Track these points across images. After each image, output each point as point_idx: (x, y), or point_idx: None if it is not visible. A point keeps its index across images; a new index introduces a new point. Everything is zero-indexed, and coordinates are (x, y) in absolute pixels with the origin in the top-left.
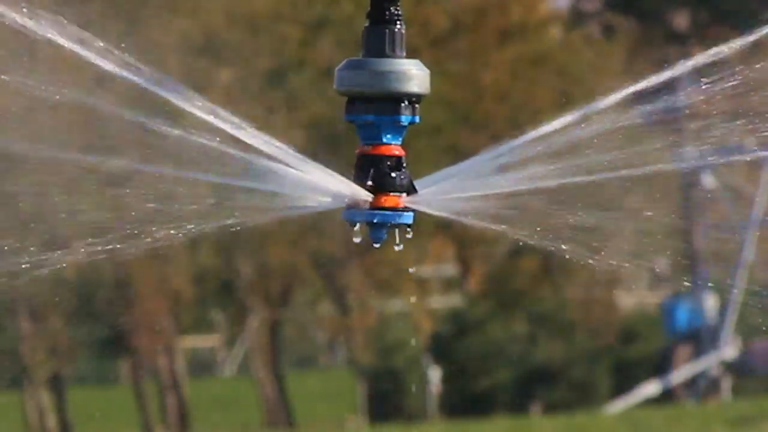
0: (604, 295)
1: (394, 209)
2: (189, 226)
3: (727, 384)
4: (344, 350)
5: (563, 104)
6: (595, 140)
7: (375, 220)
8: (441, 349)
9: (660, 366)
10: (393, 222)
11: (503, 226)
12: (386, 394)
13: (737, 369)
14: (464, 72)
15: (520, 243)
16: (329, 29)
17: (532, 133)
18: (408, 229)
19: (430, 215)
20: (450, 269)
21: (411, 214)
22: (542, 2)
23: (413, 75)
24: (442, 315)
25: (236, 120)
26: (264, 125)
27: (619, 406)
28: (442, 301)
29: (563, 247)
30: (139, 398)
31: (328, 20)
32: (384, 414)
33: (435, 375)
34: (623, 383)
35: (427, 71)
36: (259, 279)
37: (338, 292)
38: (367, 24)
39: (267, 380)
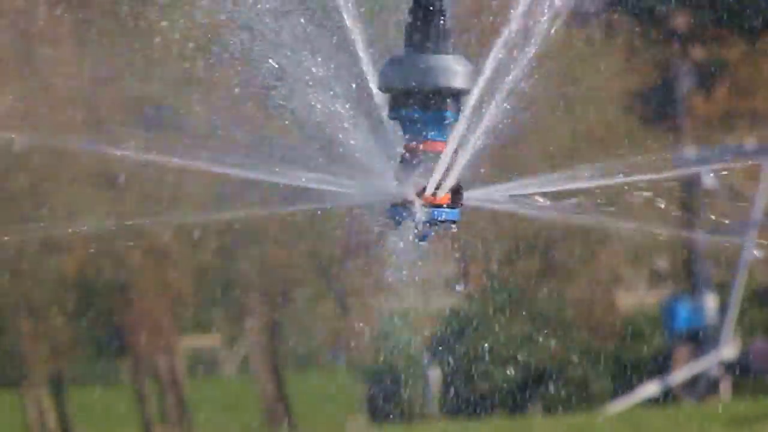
0: (604, 295)
1: (440, 206)
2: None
3: (727, 384)
4: (344, 350)
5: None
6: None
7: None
8: (441, 349)
9: (660, 366)
10: (440, 219)
11: (548, 215)
12: (386, 394)
13: (737, 369)
14: None
15: (519, 239)
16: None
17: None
18: (453, 225)
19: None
20: (450, 269)
21: (457, 210)
22: None
23: (458, 71)
24: (442, 315)
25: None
26: (263, 125)
27: (619, 406)
28: (442, 301)
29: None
30: (139, 398)
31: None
32: (384, 414)
33: (435, 375)
34: (623, 383)
35: (471, 67)
36: (259, 279)
37: (338, 292)
38: (410, 20)
39: (267, 380)
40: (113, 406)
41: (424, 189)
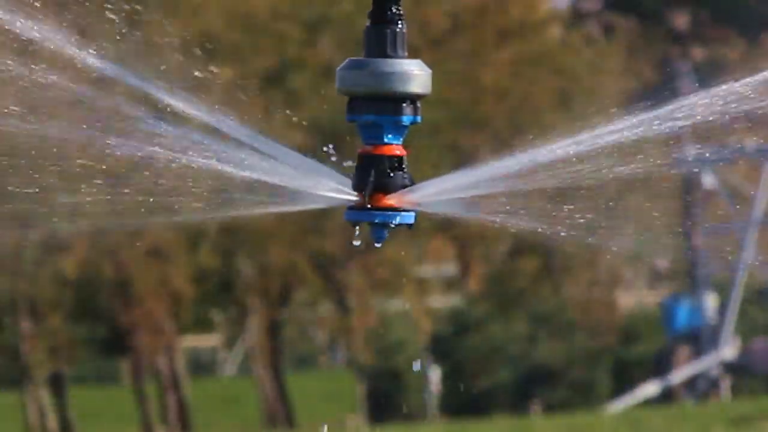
0: (604, 295)
1: (395, 209)
2: (186, 217)
3: (727, 384)
4: (344, 350)
5: (562, 104)
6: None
7: (376, 221)
8: (441, 349)
9: (660, 366)
10: (394, 222)
11: (503, 223)
12: (386, 394)
13: (737, 369)
14: (464, 72)
15: (519, 239)
16: (329, 29)
17: (536, 151)
18: (409, 228)
19: (430, 215)
20: (450, 269)
21: (412, 214)
22: (542, 2)
23: (415, 75)
24: (443, 315)
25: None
26: (263, 125)
27: (619, 406)
28: (442, 301)
29: (561, 238)
30: (139, 398)
31: (327, 20)
32: (384, 414)
33: (435, 375)
34: (623, 383)
35: (429, 71)
36: (259, 279)
37: (338, 292)
38: (368, 24)
39: (267, 380)
40: (113, 406)
41: (380, 192)
